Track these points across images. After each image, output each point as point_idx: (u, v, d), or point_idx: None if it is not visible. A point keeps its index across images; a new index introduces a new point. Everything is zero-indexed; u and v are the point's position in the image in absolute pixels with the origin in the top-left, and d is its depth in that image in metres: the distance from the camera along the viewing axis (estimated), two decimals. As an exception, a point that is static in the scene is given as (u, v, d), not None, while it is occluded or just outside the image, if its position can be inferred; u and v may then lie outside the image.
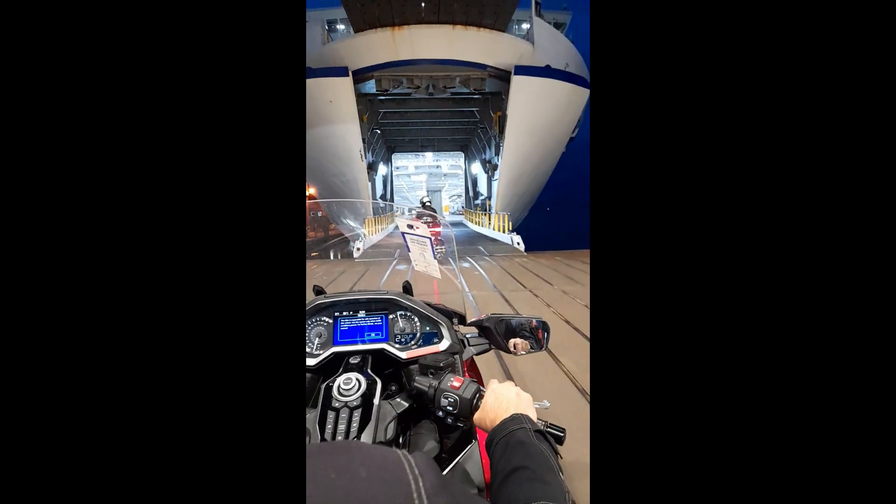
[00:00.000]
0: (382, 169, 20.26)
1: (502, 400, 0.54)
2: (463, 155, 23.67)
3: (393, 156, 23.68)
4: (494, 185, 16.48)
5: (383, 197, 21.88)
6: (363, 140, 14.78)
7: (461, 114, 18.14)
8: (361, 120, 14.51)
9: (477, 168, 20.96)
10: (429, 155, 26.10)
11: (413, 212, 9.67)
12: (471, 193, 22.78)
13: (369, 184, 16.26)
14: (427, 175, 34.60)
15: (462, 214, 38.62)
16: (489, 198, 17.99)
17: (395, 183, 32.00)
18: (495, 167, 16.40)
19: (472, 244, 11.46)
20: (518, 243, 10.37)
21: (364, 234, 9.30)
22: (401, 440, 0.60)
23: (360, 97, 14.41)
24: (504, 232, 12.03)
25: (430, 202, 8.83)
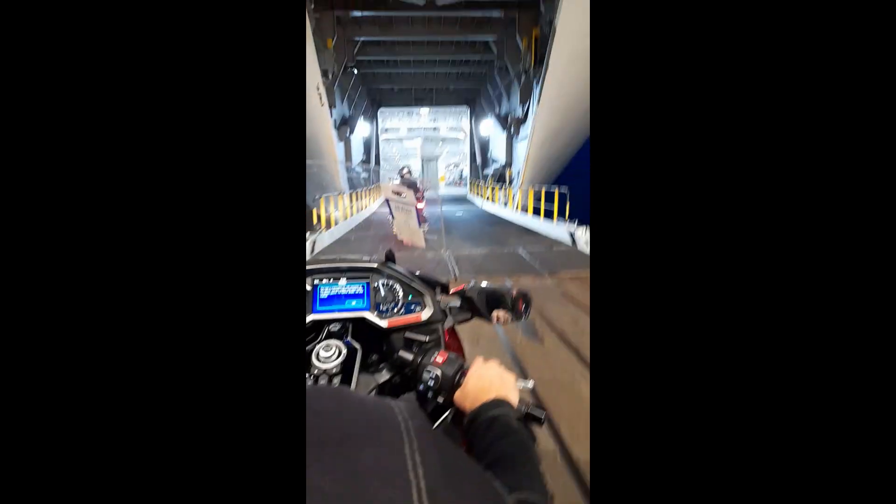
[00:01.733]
0: (364, 128, 15.36)
1: (485, 380, 0.54)
2: (469, 111, 18.67)
3: (379, 112, 18.60)
4: (519, 146, 11.84)
5: (365, 163, 17.09)
6: (328, 75, 9.91)
7: (470, 46, 13.09)
8: (324, 45, 9.59)
9: (489, 127, 16.11)
10: (424, 113, 20.94)
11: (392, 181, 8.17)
12: (478, 160, 17.97)
13: (340, 144, 11.52)
14: (422, 140, 29.44)
15: (459, 185, 33.73)
16: (508, 165, 13.31)
17: (382, 148, 26.94)
18: (521, 121, 11.64)
19: (497, 240, 6.94)
20: (585, 242, 5.84)
21: (325, 221, 6.97)
22: None
23: (322, 8, 9.42)
24: (551, 219, 7.43)
25: (409, 173, 7.68)
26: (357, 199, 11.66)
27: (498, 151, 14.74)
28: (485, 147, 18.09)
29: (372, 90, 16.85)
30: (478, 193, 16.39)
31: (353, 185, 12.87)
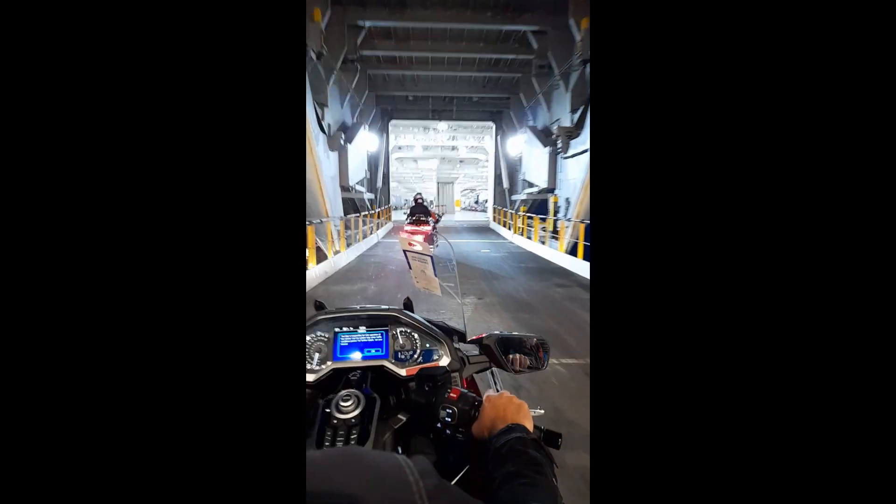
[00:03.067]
0: (369, 141, 12.69)
1: (499, 409, 0.55)
2: (494, 128, 15.98)
3: (391, 125, 16.04)
4: (569, 165, 8.88)
5: (370, 184, 14.37)
6: (317, 57, 7.21)
7: (502, 41, 10.42)
8: (309, 17, 6.93)
9: (519, 144, 13.29)
10: (442, 129, 18.32)
11: (407, 206, 7.88)
12: (505, 184, 15.04)
13: (332, 155, 8.73)
14: (439, 160, 26.86)
15: (476, 211, 30.63)
16: (550, 190, 10.30)
17: (394, 168, 24.33)
18: (571, 132, 8.71)
19: (570, 317, 3.85)
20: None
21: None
22: (399, 452, 0.59)
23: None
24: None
25: (422, 199, 7.70)
26: (354, 227, 8.74)
27: (534, 173, 11.78)
28: (513, 169, 15.23)
29: (381, 98, 14.31)
30: (504, 223, 13.40)
31: (349, 209, 9.98)
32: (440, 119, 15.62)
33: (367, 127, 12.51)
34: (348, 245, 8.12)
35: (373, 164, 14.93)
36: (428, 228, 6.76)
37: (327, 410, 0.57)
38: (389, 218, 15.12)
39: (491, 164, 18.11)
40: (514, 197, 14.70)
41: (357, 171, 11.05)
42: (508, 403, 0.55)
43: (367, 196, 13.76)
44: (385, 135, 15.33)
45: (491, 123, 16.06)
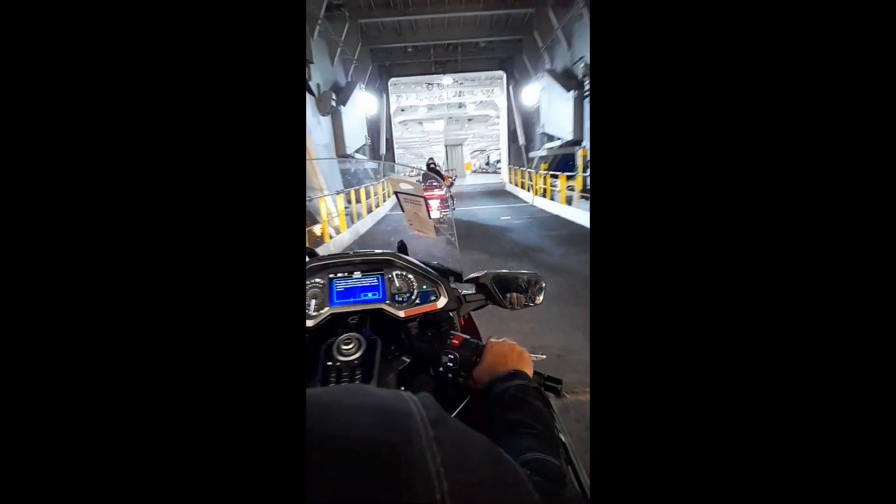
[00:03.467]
0: (368, 103, 11.39)
1: (500, 356, 0.56)
2: (504, 78, 14.34)
3: (391, 84, 14.55)
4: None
5: (372, 152, 13.16)
6: None
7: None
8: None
9: (535, 93, 11.77)
10: (447, 83, 16.63)
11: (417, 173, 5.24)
12: (520, 140, 13.64)
13: (323, 120, 7.60)
14: (445, 121, 25.11)
15: (487, 172, 28.86)
16: (577, 142, 9.00)
17: (398, 133, 22.90)
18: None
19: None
20: None
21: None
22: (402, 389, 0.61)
23: None
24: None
25: (434, 164, 7.84)
26: (356, 201, 7.76)
27: (556, 124, 10.41)
28: (529, 123, 13.74)
29: (377, 52, 12.80)
30: (521, 185, 12.19)
31: (352, 181, 8.95)
32: (444, 72, 14.03)
33: (363, 86, 11.18)
34: (351, 222, 7.20)
35: (373, 129, 13.68)
36: (442, 192, 6.37)
37: (329, 354, 0.58)
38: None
39: (503, 120, 16.56)
40: (531, 154, 13.34)
41: (355, 137, 9.90)
42: (510, 350, 0.57)
43: (370, 165, 12.65)
44: (385, 95, 13.90)
45: (501, 73, 14.40)
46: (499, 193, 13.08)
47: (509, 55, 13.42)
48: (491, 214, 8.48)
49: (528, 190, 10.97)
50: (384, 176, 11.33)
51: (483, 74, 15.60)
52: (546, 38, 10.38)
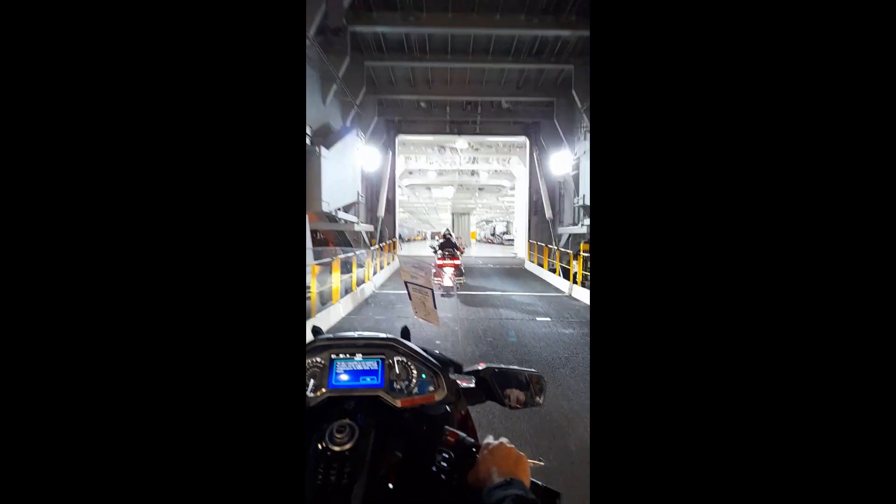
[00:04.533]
0: (366, 156, 9.48)
1: (496, 460, 0.54)
2: (528, 144, 12.70)
3: (398, 141, 12.90)
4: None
5: (369, 213, 10.99)
6: None
7: (553, 11, 7.33)
8: None
9: (566, 160, 9.89)
10: (462, 147, 15.11)
11: (436, 240, 7.42)
12: (547, 213, 11.51)
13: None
14: (456, 188, 23.68)
15: (493, 243, 26.94)
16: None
17: (404, 196, 21.28)
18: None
19: None
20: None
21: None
22: (391, 488, 0.59)
23: None
24: None
25: (450, 234, 7.51)
26: (335, 274, 5.25)
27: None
28: (556, 194, 11.79)
29: (386, 104, 11.26)
30: (546, 265, 9.80)
31: (340, 242, 6.53)
32: (460, 133, 12.41)
33: (362, 136, 9.33)
34: (322, 304, 4.65)
35: (373, 188, 11.70)
36: (458, 262, 7.11)
37: (322, 440, 0.57)
38: (395, 254, 11.63)
39: (523, 190, 14.74)
40: (562, 230, 11.12)
41: (342, 191, 7.67)
42: (507, 455, 0.55)
43: (364, 227, 10.38)
44: (391, 153, 12.15)
45: (524, 139, 12.79)
46: (518, 274, 10.61)
47: (535, 120, 11.90)
48: (516, 308, 5.89)
49: (559, 274, 8.54)
50: (385, 240, 9.04)
51: (501, 140, 14.10)
52: (586, 97, 8.67)
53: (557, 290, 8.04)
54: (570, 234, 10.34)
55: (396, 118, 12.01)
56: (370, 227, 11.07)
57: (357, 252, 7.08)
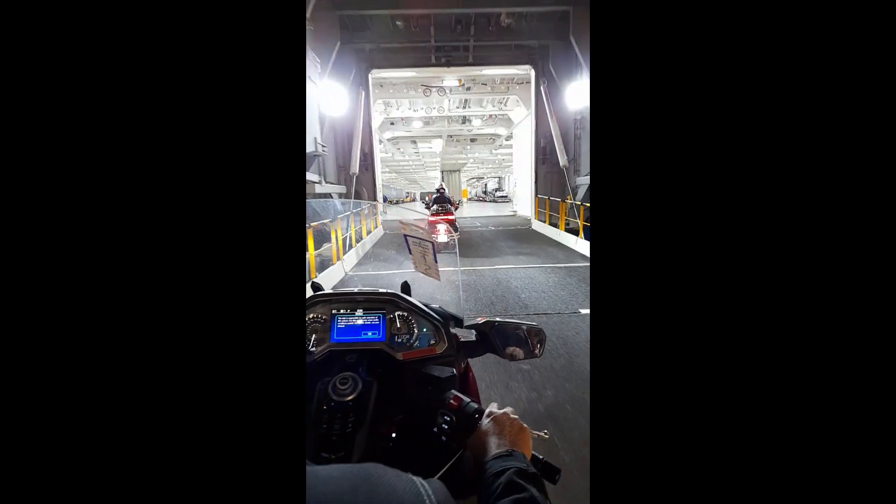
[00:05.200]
0: (322, 89, 7.16)
1: (499, 429, 0.54)
2: (533, 76, 10.31)
3: (372, 77, 10.36)
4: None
5: (340, 172, 8.81)
6: None
7: None
8: None
9: (581, 92, 7.68)
10: (451, 87, 12.58)
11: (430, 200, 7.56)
12: (561, 161, 9.40)
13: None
14: (444, 140, 21.08)
15: (485, 201, 25.04)
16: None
17: (387, 154, 18.77)
18: None
19: None
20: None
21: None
22: (391, 446, 0.60)
23: None
24: None
25: (444, 190, 7.64)
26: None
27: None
28: (569, 135, 9.62)
29: (350, 20, 8.69)
30: (563, 226, 7.90)
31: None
32: (448, 64, 9.94)
33: (317, 63, 6.95)
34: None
35: (343, 140, 9.40)
36: (452, 217, 6.91)
37: (325, 392, 0.58)
38: (377, 222, 9.57)
39: (524, 136, 12.49)
40: (580, 180, 9.10)
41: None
42: (510, 425, 0.54)
43: (332, 189, 8.25)
44: (364, 93, 9.72)
45: (528, 69, 10.38)
46: (525, 237, 8.71)
47: (543, 42, 9.44)
48: (546, 295, 4.04)
49: (581, 235, 6.68)
50: (355, 209, 7.04)
51: (499, 74, 11.63)
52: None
53: (584, 256, 6.19)
54: (590, 185, 8.37)
55: (367, 46, 9.45)
56: (341, 189, 8.92)
57: (325, 222, 5.08)
